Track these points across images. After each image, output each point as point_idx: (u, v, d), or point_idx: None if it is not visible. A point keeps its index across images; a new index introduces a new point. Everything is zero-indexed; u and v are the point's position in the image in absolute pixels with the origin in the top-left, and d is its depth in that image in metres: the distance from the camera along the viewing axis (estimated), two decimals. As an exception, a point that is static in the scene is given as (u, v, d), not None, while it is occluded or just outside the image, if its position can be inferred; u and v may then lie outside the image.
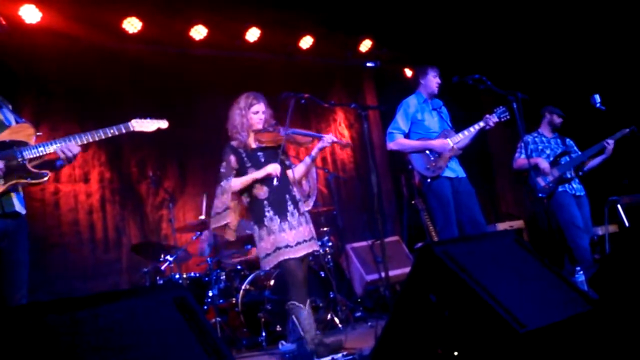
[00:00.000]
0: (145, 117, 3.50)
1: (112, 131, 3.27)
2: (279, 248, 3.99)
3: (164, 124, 3.59)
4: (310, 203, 4.31)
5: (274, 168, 4.03)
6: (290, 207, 4.09)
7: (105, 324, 1.82)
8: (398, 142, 4.92)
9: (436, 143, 4.82)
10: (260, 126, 4.17)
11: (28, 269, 3.06)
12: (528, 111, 4.76)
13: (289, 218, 4.06)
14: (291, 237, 4.02)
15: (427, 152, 4.85)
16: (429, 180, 4.80)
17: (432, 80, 4.98)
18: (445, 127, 4.97)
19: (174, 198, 6.14)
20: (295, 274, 4.01)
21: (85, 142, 3.18)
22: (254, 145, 4.19)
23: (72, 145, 3.12)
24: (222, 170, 4.15)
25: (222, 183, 4.12)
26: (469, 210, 4.81)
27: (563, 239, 5.64)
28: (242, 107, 4.16)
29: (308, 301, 4.03)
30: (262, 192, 4.08)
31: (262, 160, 4.14)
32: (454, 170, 4.88)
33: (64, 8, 5.87)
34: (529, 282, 2.65)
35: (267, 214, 4.04)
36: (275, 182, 4.04)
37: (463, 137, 4.87)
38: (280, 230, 4.01)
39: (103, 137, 3.23)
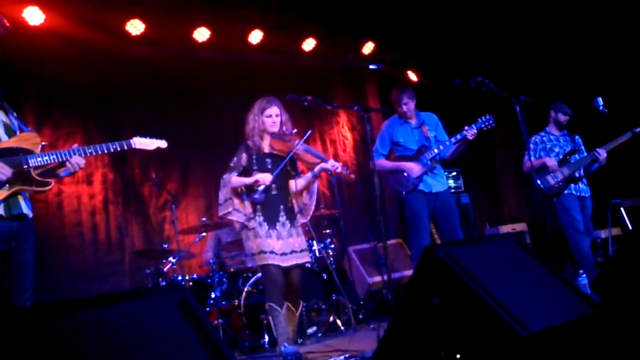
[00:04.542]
0: (145, 136, 3.60)
1: (114, 147, 3.34)
2: (263, 252, 4.04)
3: (163, 144, 3.67)
4: (306, 218, 4.31)
5: (263, 177, 4.08)
6: (282, 218, 4.16)
7: (107, 325, 1.82)
8: (377, 163, 5.22)
9: (406, 165, 5.06)
10: (275, 129, 4.22)
11: (34, 271, 3.07)
12: (534, 113, 4.73)
13: (278, 227, 4.12)
14: (277, 246, 4.07)
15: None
16: (403, 194, 5.09)
17: (403, 106, 5.19)
18: (423, 143, 5.12)
19: (177, 200, 6.13)
20: (275, 279, 4.04)
21: (88, 155, 3.24)
22: (266, 149, 4.23)
23: (79, 159, 3.20)
24: (231, 164, 4.22)
25: (224, 176, 4.19)
26: (447, 224, 5.07)
27: (565, 241, 5.61)
28: (255, 112, 4.25)
29: (285, 305, 4.07)
30: (258, 195, 4.10)
31: (269, 166, 4.18)
32: (429, 185, 5.05)
33: (67, 10, 5.90)
34: (532, 285, 2.64)
35: (257, 218, 4.11)
36: (264, 189, 4.06)
37: (439, 151, 5.04)
38: (267, 237, 4.07)
39: (106, 151, 3.31)
